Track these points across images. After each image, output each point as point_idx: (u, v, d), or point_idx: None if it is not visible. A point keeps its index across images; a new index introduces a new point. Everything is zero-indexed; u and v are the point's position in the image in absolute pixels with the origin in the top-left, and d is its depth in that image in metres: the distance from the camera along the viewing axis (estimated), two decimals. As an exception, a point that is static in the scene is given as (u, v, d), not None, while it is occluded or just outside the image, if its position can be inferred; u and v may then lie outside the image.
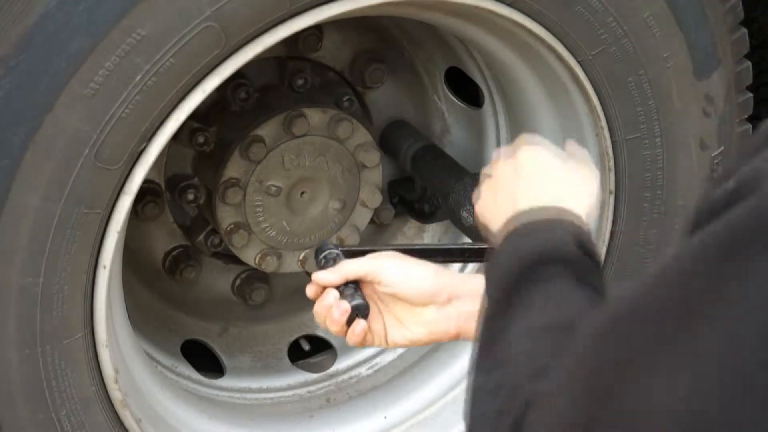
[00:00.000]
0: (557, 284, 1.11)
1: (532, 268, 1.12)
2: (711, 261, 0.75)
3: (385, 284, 1.44)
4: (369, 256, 1.48)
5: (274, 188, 2.08)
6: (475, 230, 1.79)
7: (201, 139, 2.07)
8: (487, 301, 1.15)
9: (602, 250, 2.04)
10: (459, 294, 1.42)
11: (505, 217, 1.23)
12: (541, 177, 1.31)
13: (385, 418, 2.24)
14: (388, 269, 1.44)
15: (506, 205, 1.26)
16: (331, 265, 1.48)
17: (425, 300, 1.43)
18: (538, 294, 1.10)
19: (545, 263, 1.12)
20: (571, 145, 1.42)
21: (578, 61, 1.85)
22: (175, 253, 2.22)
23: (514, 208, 1.24)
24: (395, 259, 1.47)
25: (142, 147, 1.57)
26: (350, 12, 1.66)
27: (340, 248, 1.52)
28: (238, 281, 2.32)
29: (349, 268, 1.45)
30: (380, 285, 1.44)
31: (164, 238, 2.21)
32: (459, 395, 2.23)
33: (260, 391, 2.31)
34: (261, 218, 2.10)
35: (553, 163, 1.32)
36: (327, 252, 1.51)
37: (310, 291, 1.48)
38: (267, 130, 2.04)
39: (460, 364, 2.22)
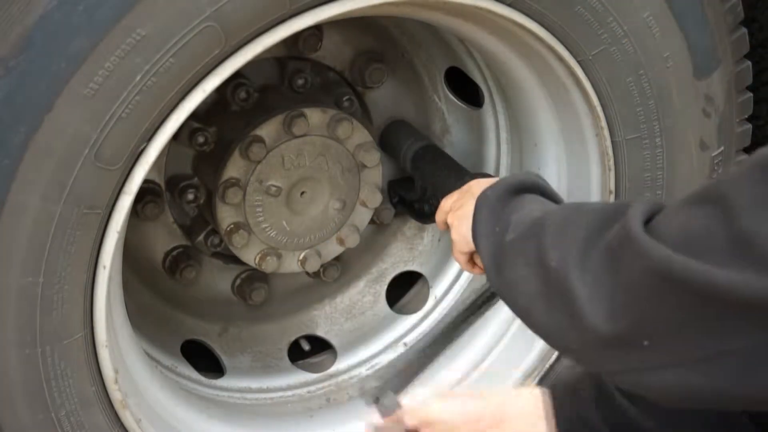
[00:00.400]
0: (540, 200, 1.60)
1: (518, 190, 1.59)
2: None
3: (437, 427, 1.60)
4: (419, 404, 1.63)
5: (274, 188, 2.08)
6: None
7: (201, 139, 2.07)
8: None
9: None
10: (503, 414, 1.59)
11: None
12: None
13: (385, 418, 2.24)
14: (437, 414, 1.60)
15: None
16: (390, 413, 1.64)
17: (475, 428, 1.58)
18: (529, 197, 1.59)
19: (528, 189, 1.61)
20: None
21: (578, 61, 1.85)
22: (175, 253, 2.22)
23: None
24: (441, 402, 1.63)
25: (142, 147, 1.57)
26: (350, 12, 1.66)
27: (394, 395, 1.67)
28: (238, 281, 2.32)
29: (406, 423, 1.62)
30: (434, 427, 1.60)
31: (164, 238, 2.21)
32: (459, 395, 2.23)
33: (260, 391, 2.31)
34: (261, 218, 2.10)
35: None
36: (386, 401, 1.66)
37: None
38: (267, 130, 2.04)
39: (459, 365, 2.22)
